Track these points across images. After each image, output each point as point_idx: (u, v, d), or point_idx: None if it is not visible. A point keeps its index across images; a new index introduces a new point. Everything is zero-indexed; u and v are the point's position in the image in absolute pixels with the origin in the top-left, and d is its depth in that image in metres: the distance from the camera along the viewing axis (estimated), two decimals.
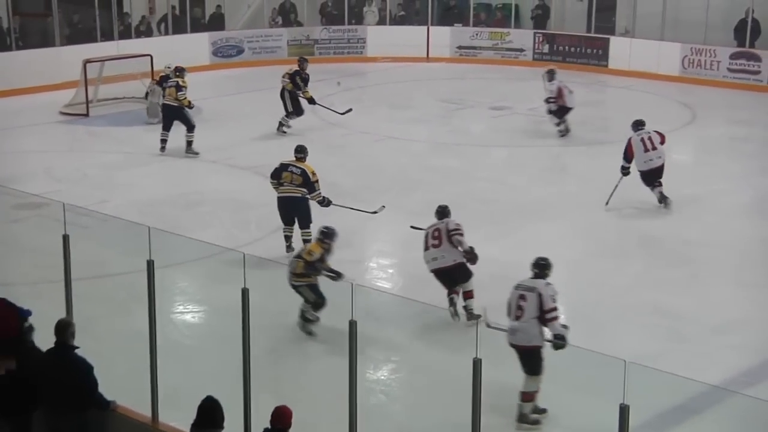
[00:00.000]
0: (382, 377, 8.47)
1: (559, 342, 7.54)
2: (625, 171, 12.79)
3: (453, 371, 7.25)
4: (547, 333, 7.68)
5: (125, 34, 21.58)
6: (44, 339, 6.64)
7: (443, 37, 24.40)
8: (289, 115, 16.58)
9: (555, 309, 7.69)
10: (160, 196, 13.30)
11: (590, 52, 23.14)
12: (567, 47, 23.50)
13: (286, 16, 24.49)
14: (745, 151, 16.38)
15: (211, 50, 23.04)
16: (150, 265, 6.77)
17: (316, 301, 9.11)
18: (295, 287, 9.15)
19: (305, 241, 10.68)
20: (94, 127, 17.45)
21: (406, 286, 10.43)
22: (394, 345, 8.98)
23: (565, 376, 7.85)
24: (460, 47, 24.44)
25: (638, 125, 13.06)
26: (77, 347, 6.56)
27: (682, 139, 17.30)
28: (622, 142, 13.01)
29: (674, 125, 17.78)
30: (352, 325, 5.98)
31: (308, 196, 11.01)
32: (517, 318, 7.77)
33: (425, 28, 24.57)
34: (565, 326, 7.73)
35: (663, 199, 12.88)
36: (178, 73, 15.71)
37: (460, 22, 24.72)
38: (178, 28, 22.58)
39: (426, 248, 9.55)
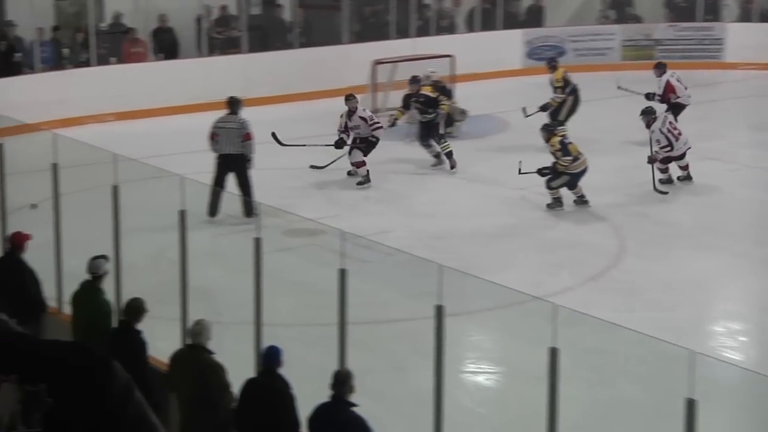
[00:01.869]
0: None
1: None
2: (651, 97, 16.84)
3: None
4: None
5: (423, 30, 22.16)
6: (312, 392, 6.89)
7: None
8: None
9: None
10: (454, 227, 13.48)
11: None
12: None
13: (621, 9, 24.32)
14: None
15: (525, 51, 23.18)
16: (439, 311, 6.86)
17: None
18: None
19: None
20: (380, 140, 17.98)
21: (760, 359, 10.00)
22: None
23: None
24: None
25: (662, 67, 17.71)
26: (355, 405, 6.76)
27: None
28: None
29: None
30: (692, 404, 5.78)
31: None
32: None
33: None
34: None
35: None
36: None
37: None
38: (488, 23, 22.89)
39: (677, 138, 14.66)
